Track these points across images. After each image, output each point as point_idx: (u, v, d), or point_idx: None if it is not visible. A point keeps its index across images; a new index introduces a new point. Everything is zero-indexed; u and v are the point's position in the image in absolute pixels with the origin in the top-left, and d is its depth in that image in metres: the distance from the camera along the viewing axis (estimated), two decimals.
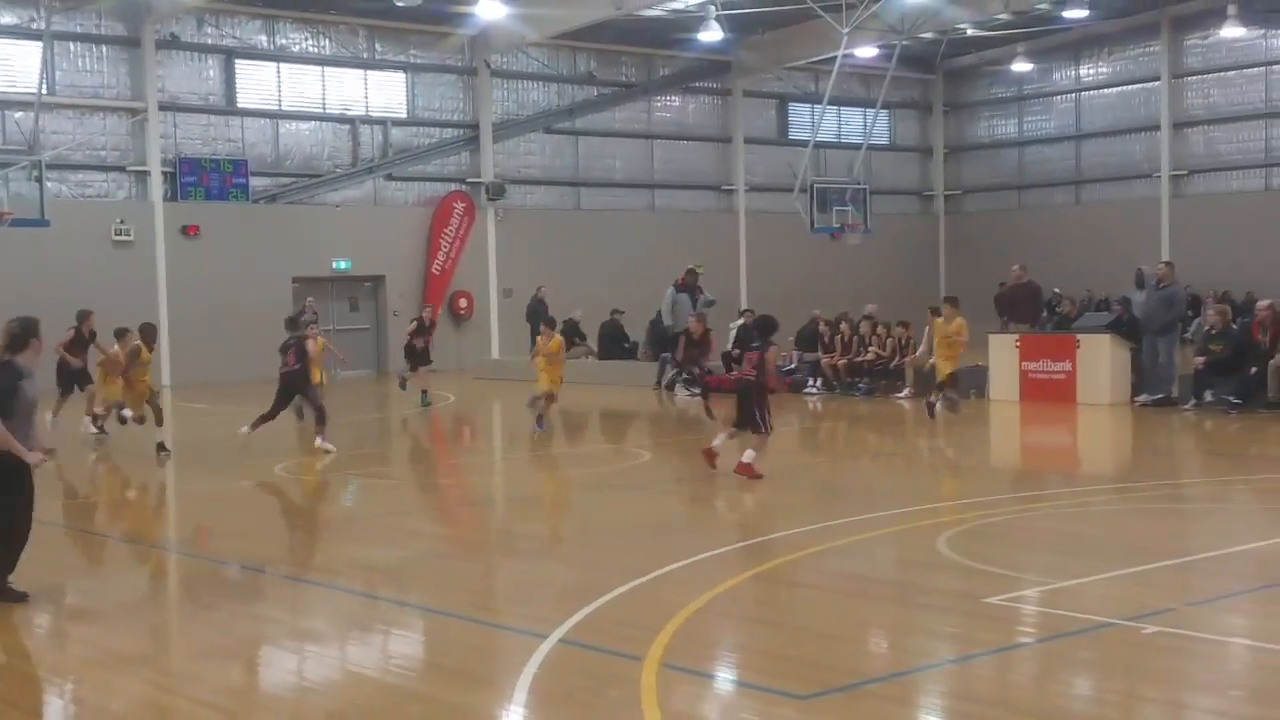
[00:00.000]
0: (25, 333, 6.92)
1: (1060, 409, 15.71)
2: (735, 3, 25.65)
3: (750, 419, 10.53)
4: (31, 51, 22.41)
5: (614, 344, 23.38)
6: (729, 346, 20.32)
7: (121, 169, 24.23)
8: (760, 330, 10.98)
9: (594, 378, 20.68)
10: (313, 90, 26.27)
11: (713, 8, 24.86)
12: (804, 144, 28.52)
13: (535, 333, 25.46)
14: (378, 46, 26.94)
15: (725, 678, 5.60)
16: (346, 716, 5.20)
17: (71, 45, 23.75)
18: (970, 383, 17.35)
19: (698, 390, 16.99)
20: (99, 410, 14.56)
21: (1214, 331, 15.47)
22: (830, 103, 28.53)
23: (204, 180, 24.69)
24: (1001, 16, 27.92)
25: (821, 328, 19.82)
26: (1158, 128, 31.06)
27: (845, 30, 24.17)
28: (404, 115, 27.26)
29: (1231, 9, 27.38)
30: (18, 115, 22.54)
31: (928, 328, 18.16)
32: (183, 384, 22.78)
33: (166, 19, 24.39)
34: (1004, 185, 34.56)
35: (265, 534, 9.40)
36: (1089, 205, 32.65)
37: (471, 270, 27.54)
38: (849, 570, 7.73)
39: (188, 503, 11.27)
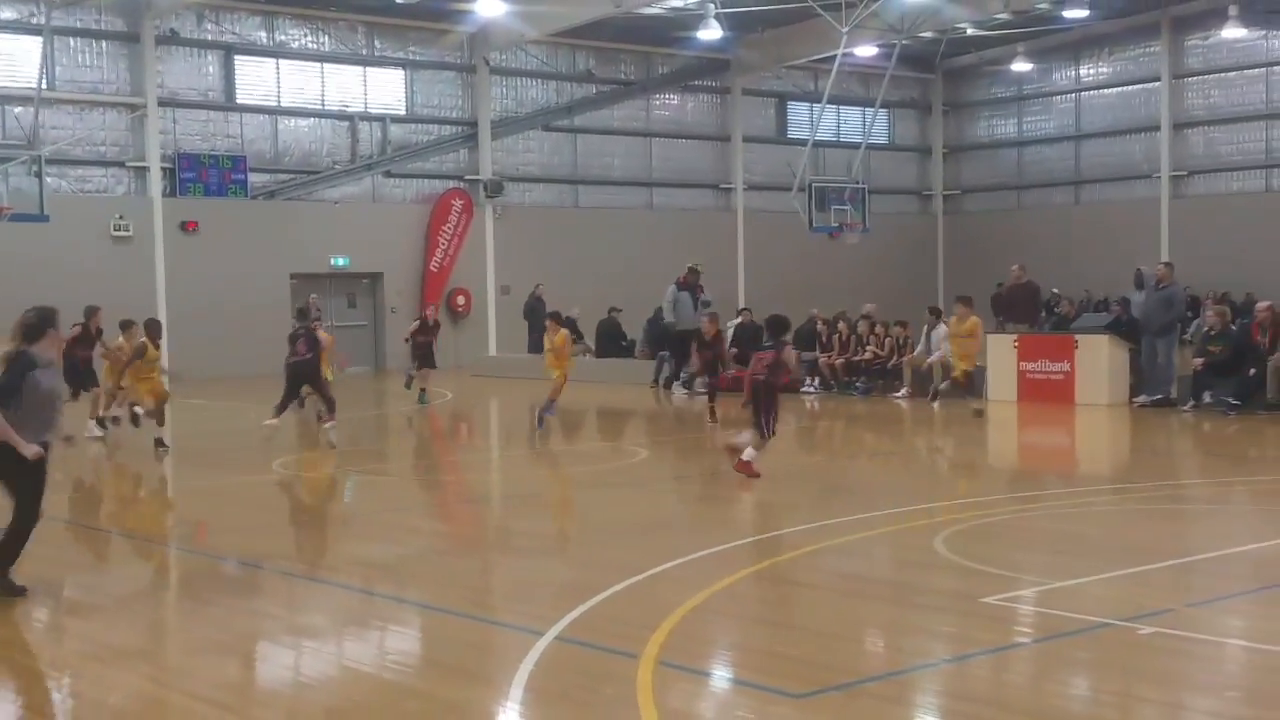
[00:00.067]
0: (42, 323, 6.81)
1: (1058, 409, 15.71)
2: (734, 1, 25.63)
3: (763, 417, 10.45)
4: (31, 46, 22.40)
5: (611, 342, 23.39)
6: (727, 345, 20.33)
7: (121, 164, 24.21)
8: (773, 329, 10.93)
9: (591, 375, 20.66)
10: (312, 87, 26.26)
11: (712, 6, 24.85)
12: (803, 143, 28.52)
13: (533, 330, 25.60)
14: (377, 43, 26.93)
15: (721, 676, 5.60)
16: (344, 712, 5.19)
17: (71, 40, 23.73)
18: (968, 383, 17.34)
19: (703, 391, 16.81)
20: (117, 412, 14.29)
21: (1213, 333, 15.47)
22: (829, 102, 28.52)
23: (203, 176, 24.68)
24: (1001, 16, 27.92)
25: (819, 327, 19.83)
26: (1158, 128, 31.07)
27: (845, 29, 24.17)
28: (403, 112, 27.24)
29: (1232, 10, 27.39)
30: (17, 110, 22.53)
31: (926, 328, 18.20)
32: (180, 378, 22.75)
33: (166, 14, 24.37)
34: (1003, 185, 34.57)
35: (263, 530, 9.39)
36: (1088, 206, 32.66)
37: (469, 268, 27.53)
38: (846, 569, 7.73)
39: (186, 498, 11.26)
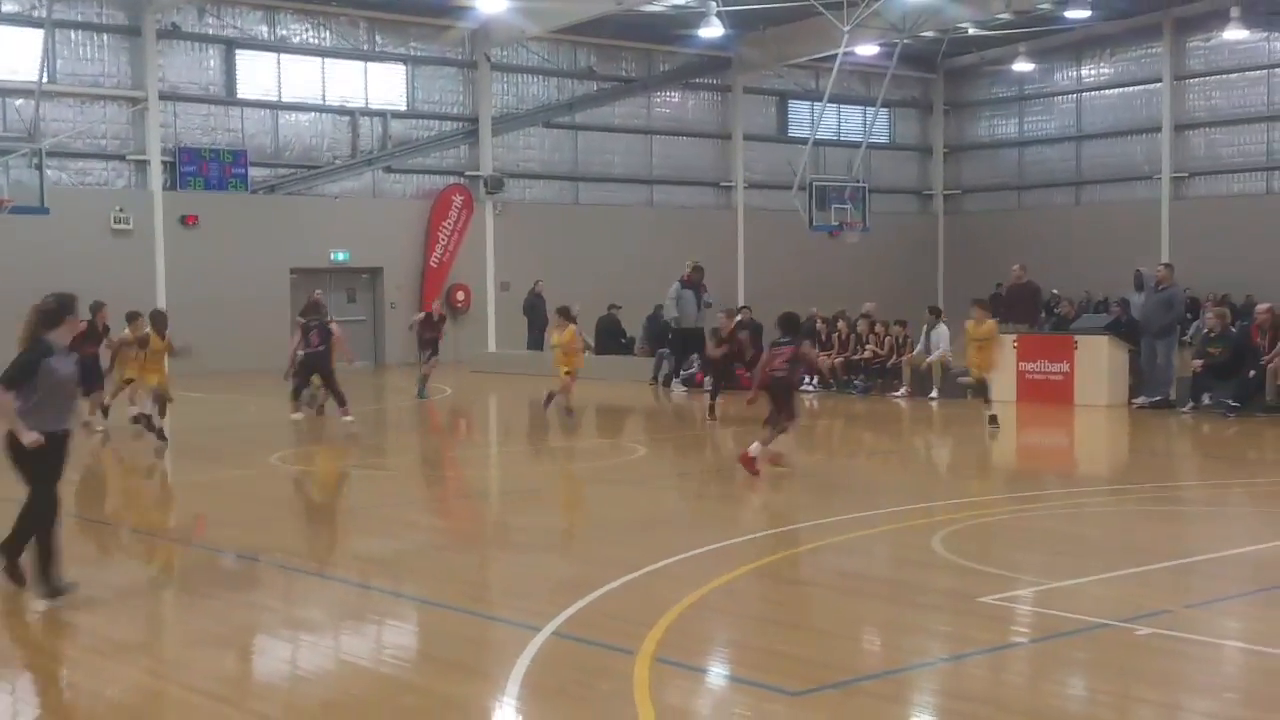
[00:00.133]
0: (61, 309, 6.69)
1: (1057, 410, 15.71)
2: None
3: (785, 413, 10.38)
4: (33, 39, 22.37)
5: (611, 339, 23.38)
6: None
7: (121, 158, 24.20)
8: (787, 327, 10.92)
9: (590, 372, 20.59)
10: (313, 82, 26.23)
11: (714, 4, 24.82)
12: (803, 141, 28.51)
13: (532, 327, 25.59)
14: (378, 39, 26.91)
15: (718, 673, 5.60)
16: (341, 706, 5.19)
17: (73, 33, 23.71)
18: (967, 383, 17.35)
19: (703, 388, 16.64)
20: (133, 411, 14.00)
21: (1213, 334, 15.47)
22: (830, 100, 28.51)
23: (203, 170, 24.66)
24: (1003, 16, 27.90)
25: (819, 325, 19.83)
26: (1159, 129, 31.07)
27: (846, 28, 24.16)
28: (403, 108, 27.22)
29: (1234, 11, 27.38)
30: (18, 103, 22.51)
31: (926, 327, 18.20)
32: (180, 372, 22.68)
33: (167, 8, 24.34)
34: (1004, 185, 34.57)
35: (261, 523, 9.39)
36: (1089, 206, 32.66)
37: (469, 263, 27.52)
38: (844, 568, 7.73)
39: (184, 491, 11.26)
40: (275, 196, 25.74)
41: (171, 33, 24.54)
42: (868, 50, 27.96)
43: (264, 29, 25.66)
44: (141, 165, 24.28)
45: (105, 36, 24.11)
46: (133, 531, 9.45)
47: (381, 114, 26.88)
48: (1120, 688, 5.20)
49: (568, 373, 14.30)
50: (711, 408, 15.25)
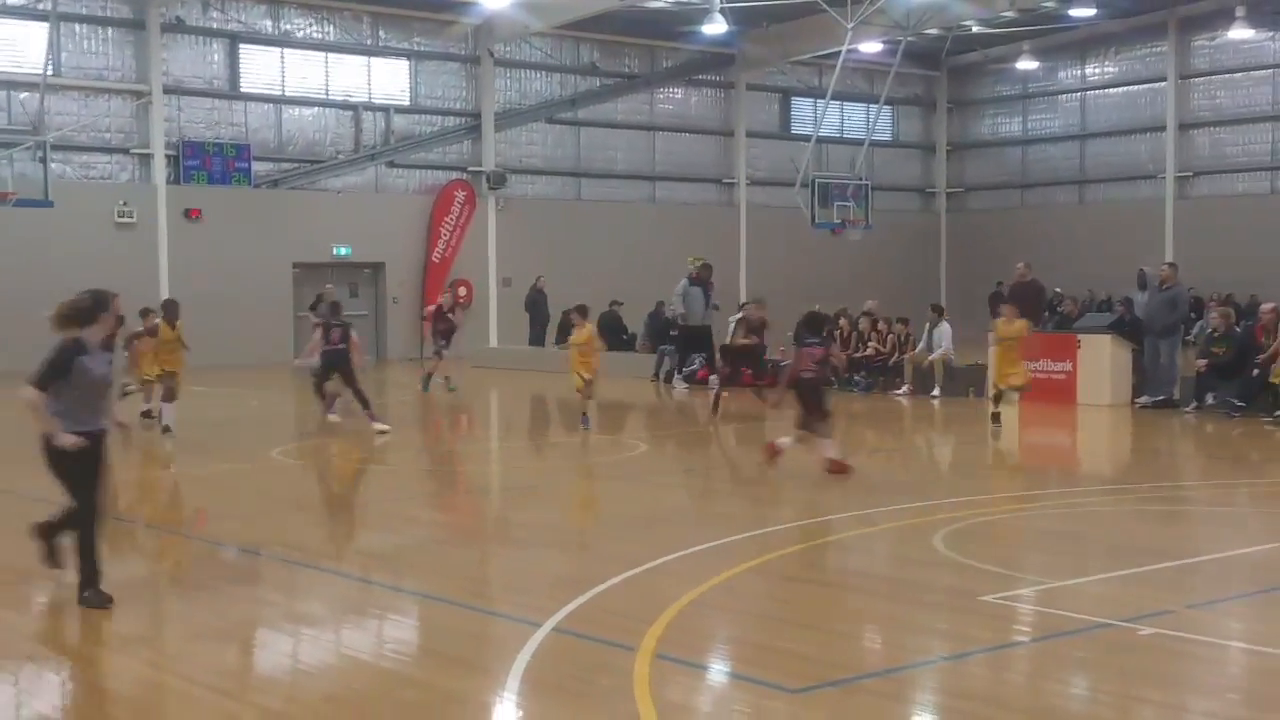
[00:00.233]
0: (95, 307, 6.46)
1: (1060, 409, 15.69)
2: None
3: (819, 414, 10.27)
4: (37, 32, 22.38)
5: (613, 335, 23.35)
6: (727, 340, 20.31)
7: (125, 151, 24.21)
8: (811, 327, 10.88)
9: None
10: (316, 76, 26.23)
11: (717, 0, 24.79)
12: (806, 139, 28.46)
13: (534, 323, 25.59)
14: (381, 33, 26.89)
15: (718, 670, 5.60)
16: (342, 700, 5.20)
17: (77, 27, 23.71)
18: (968, 381, 17.35)
19: (713, 387, 16.21)
20: (146, 407, 13.92)
21: (1216, 334, 15.44)
22: (834, 98, 28.48)
23: (207, 164, 24.67)
24: (1007, 14, 27.84)
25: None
26: (1163, 128, 31.02)
27: (850, 25, 24.12)
28: (406, 103, 27.21)
29: (1240, 10, 27.33)
30: (23, 96, 22.52)
31: (928, 325, 18.18)
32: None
33: (172, 2, 24.35)
34: (1007, 184, 34.52)
35: (262, 517, 9.39)
36: (1093, 205, 32.62)
37: (471, 259, 27.52)
38: (845, 565, 7.73)
39: (186, 485, 11.26)
40: (278, 191, 25.75)
41: (176, 26, 24.54)
42: (871, 47, 27.92)
43: (268, 23, 25.65)
44: (145, 159, 24.29)
45: (110, 30, 24.11)
46: (135, 524, 9.45)
47: (384, 109, 26.87)
48: (1122, 688, 5.19)
49: (586, 380, 13.59)
50: (716, 402, 15.03)
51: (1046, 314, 23.14)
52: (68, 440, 6.25)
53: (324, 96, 26.33)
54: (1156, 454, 13.22)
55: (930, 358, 17.80)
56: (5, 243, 22.21)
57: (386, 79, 27.02)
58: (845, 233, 26.23)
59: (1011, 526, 8.82)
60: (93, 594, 6.34)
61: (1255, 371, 14.57)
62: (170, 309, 13.43)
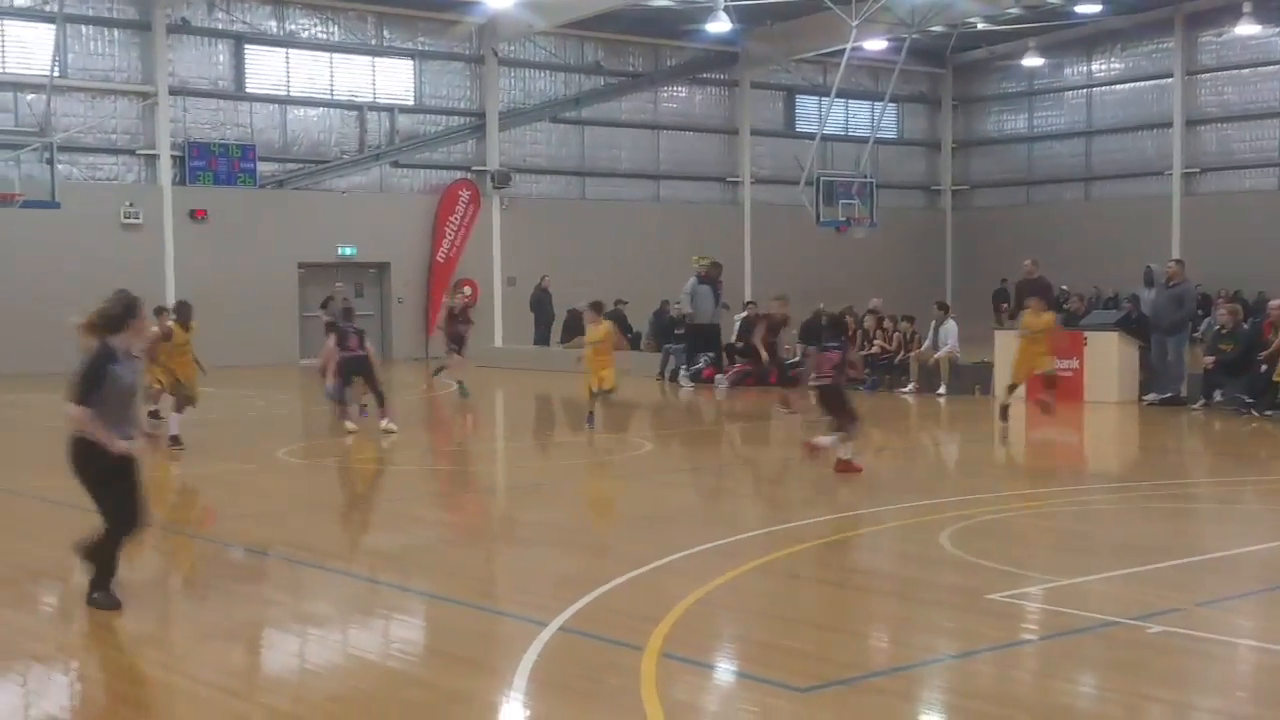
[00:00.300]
0: (126, 312, 6.28)
1: (1067, 407, 15.64)
2: None
3: (841, 418, 10.25)
4: (44, 34, 22.44)
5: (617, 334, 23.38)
6: (733, 339, 20.30)
7: (131, 152, 24.27)
8: (834, 329, 10.87)
9: None
10: (321, 76, 26.26)
11: None
12: (811, 136, 28.43)
13: (539, 322, 25.59)
14: (386, 33, 26.92)
15: (724, 669, 5.59)
16: (347, 700, 5.20)
17: (84, 28, 23.77)
18: (974, 379, 17.33)
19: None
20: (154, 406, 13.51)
21: (1224, 331, 15.39)
22: (838, 95, 28.43)
23: (212, 165, 24.72)
24: (1013, 11, 27.79)
25: (824, 322, 19.77)
26: (1170, 125, 30.92)
27: (854, 23, 24.09)
28: (411, 103, 27.23)
29: (1247, 6, 27.24)
30: (30, 97, 22.57)
31: (934, 323, 18.15)
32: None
33: (177, 3, 24.40)
34: (1013, 181, 34.45)
35: (269, 517, 9.41)
36: (1099, 202, 32.54)
37: (476, 259, 27.53)
38: (851, 564, 7.72)
39: (193, 485, 11.28)
40: (283, 191, 25.79)
41: (181, 28, 24.59)
42: (876, 45, 27.88)
43: (273, 24, 25.69)
44: (151, 160, 24.34)
45: (116, 31, 24.17)
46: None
47: (389, 109, 26.89)
48: (1130, 686, 5.17)
49: (595, 378, 13.38)
50: (785, 399, 14.59)
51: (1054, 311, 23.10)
52: (123, 446, 6.17)
53: (329, 97, 26.36)
54: (1164, 451, 13.18)
55: (936, 356, 17.77)
56: (12, 244, 22.28)
57: (391, 79, 27.04)
58: (850, 231, 26.21)
59: (1019, 525, 8.80)
60: (103, 595, 6.33)
61: (1264, 368, 14.53)
62: (184, 311, 13.05)
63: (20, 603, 6.84)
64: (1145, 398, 15.60)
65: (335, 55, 26.37)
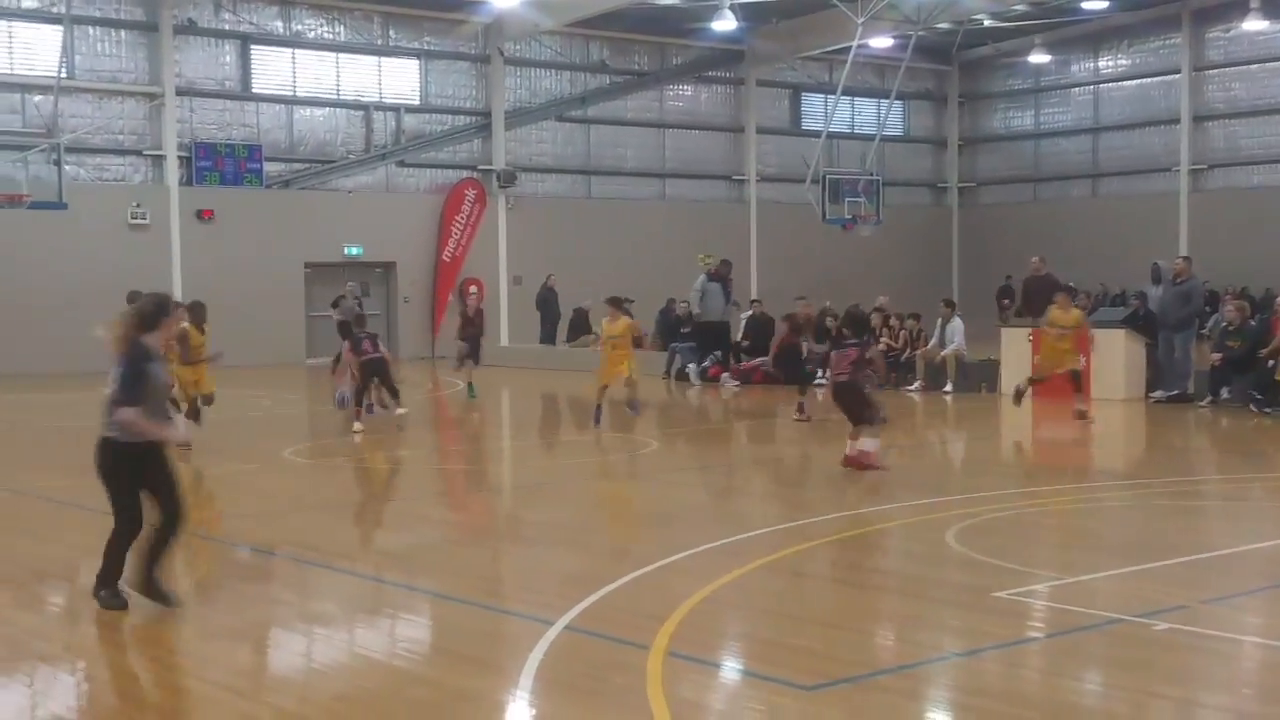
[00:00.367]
0: (159, 311, 6.29)
1: (1073, 403, 15.60)
2: None
3: (860, 416, 10.15)
4: (51, 35, 22.53)
5: None
6: (738, 337, 20.30)
7: (138, 153, 24.34)
8: (853, 326, 10.81)
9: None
10: (327, 76, 26.31)
11: None
12: (817, 134, 28.42)
13: (545, 321, 25.60)
14: (392, 33, 26.95)
15: (730, 667, 5.59)
16: (353, 699, 5.21)
17: (91, 29, 23.84)
18: (981, 376, 17.30)
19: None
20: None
21: (1231, 328, 15.34)
22: (844, 93, 28.40)
23: (219, 165, 24.77)
24: (1019, 7, 27.73)
25: (830, 320, 19.75)
26: (1177, 121, 30.82)
27: (860, 20, 24.06)
28: (417, 102, 27.27)
29: (1254, 1, 27.13)
30: (37, 98, 22.66)
31: (940, 320, 18.13)
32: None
33: (184, 4, 24.46)
34: (1020, 178, 34.37)
35: (275, 517, 9.42)
36: (1106, 199, 32.45)
37: (482, 258, 27.56)
38: (857, 562, 7.71)
39: (199, 484, 11.30)
40: (290, 191, 25.84)
41: (188, 28, 24.64)
42: (882, 42, 27.83)
43: (279, 24, 25.74)
44: (158, 160, 24.41)
45: (123, 32, 24.23)
46: (147, 524, 9.49)
47: (395, 108, 26.92)
48: (1136, 683, 5.17)
49: (611, 372, 13.29)
50: (801, 405, 14.28)
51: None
52: (180, 435, 6.18)
53: (335, 97, 26.40)
54: (1170, 448, 13.15)
55: (942, 353, 17.75)
56: (20, 245, 22.35)
57: (397, 79, 27.07)
58: (856, 228, 26.17)
59: (1025, 522, 8.78)
60: (109, 594, 6.34)
61: (1271, 363, 14.48)
62: (198, 311, 12.81)
63: (26, 603, 6.86)
64: (1152, 395, 15.56)
65: (341, 55, 26.41)
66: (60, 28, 22.13)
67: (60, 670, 5.78)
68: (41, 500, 9.92)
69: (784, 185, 30.35)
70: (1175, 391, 15.36)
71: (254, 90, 25.46)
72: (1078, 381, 13.46)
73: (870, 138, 29.49)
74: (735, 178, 31.54)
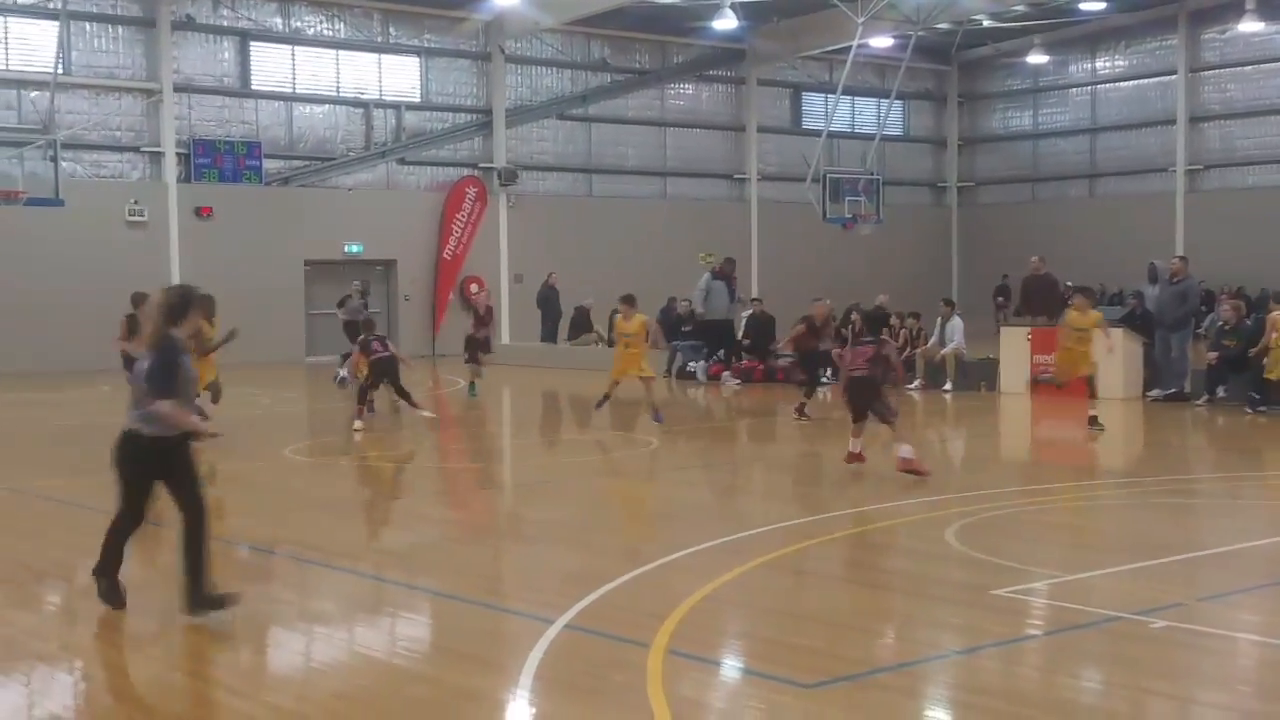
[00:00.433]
0: (185, 303, 6.24)
1: (1072, 402, 15.63)
2: None
3: (876, 413, 10.12)
4: (48, 31, 22.48)
5: None
6: (739, 336, 20.31)
7: (136, 150, 24.30)
8: (871, 324, 10.84)
9: (603, 364, 20.64)
10: (327, 73, 26.29)
11: None
12: (817, 133, 28.44)
13: (546, 319, 25.61)
14: (392, 30, 26.93)
15: (731, 665, 5.61)
16: (353, 697, 5.22)
17: (88, 25, 23.80)
18: (980, 375, 17.33)
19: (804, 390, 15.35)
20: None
21: (1228, 327, 15.38)
22: (844, 92, 28.43)
23: (217, 162, 24.75)
24: (1018, 8, 27.76)
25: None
26: (1174, 122, 30.86)
27: (861, 20, 24.08)
28: (417, 99, 27.25)
29: (1250, 3, 27.17)
30: (34, 95, 22.62)
31: (940, 319, 18.16)
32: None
33: (182, 0, 24.41)
34: (1018, 178, 34.41)
35: (275, 516, 9.43)
36: (1103, 198, 32.49)
37: (483, 256, 27.56)
38: (857, 560, 7.73)
39: (209, 480, 11.29)
40: (289, 188, 25.82)
41: (186, 24, 24.61)
42: (882, 42, 27.85)
43: (278, 20, 25.71)
44: (156, 157, 24.37)
45: (120, 28, 24.20)
46: (146, 523, 9.49)
47: (395, 106, 26.91)
48: (1134, 680, 5.19)
49: (625, 369, 13.32)
50: (801, 406, 14.21)
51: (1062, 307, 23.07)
52: (208, 428, 6.39)
53: (335, 94, 26.39)
54: (1167, 447, 13.18)
55: (942, 352, 17.78)
56: (16, 242, 22.32)
57: (397, 76, 27.06)
58: (856, 227, 26.20)
59: (1024, 520, 8.80)
60: (107, 584, 6.32)
61: (1265, 361, 14.52)
62: (207, 304, 12.63)
63: (24, 602, 6.87)
64: (1149, 394, 15.60)
65: (341, 52, 26.39)
66: (57, 23, 22.09)
67: (58, 670, 5.78)
68: (39, 499, 9.93)
69: (784, 184, 30.37)
70: (1172, 390, 15.40)
71: (253, 87, 25.43)
72: (1093, 387, 13.28)
73: (870, 137, 29.51)
74: (736, 176, 31.55)
